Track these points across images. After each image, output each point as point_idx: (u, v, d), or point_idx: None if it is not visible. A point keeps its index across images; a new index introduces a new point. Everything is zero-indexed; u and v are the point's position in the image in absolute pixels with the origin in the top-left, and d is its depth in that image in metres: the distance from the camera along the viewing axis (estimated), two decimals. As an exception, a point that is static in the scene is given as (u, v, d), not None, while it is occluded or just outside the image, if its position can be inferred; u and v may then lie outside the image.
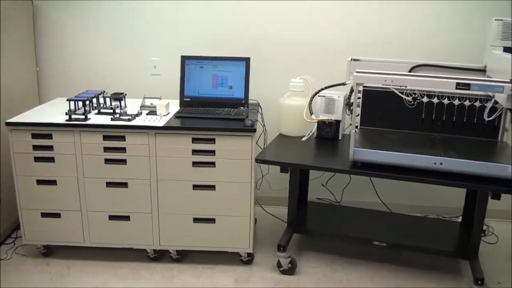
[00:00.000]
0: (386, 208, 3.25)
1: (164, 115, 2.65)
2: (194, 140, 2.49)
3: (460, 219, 2.97)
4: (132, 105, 2.85)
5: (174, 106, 2.83)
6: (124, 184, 2.56)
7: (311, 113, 2.67)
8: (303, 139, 2.66)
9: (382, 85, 2.19)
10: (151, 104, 2.84)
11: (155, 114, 2.65)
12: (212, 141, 2.48)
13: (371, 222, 2.81)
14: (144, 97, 2.85)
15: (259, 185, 3.23)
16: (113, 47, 3.16)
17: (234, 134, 2.46)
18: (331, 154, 2.52)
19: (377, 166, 2.28)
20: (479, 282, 2.31)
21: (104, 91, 2.89)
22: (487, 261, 2.72)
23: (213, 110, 2.71)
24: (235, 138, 2.47)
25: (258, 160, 2.43)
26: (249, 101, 2.84)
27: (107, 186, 2.57)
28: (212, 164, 2.51)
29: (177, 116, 2.65)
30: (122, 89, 3.15)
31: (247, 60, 2.81)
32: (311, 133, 2.67)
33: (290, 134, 2.81)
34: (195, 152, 2.50)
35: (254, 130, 2.45)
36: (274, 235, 2.92)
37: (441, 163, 2.22)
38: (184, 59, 2.84)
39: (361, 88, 2.73)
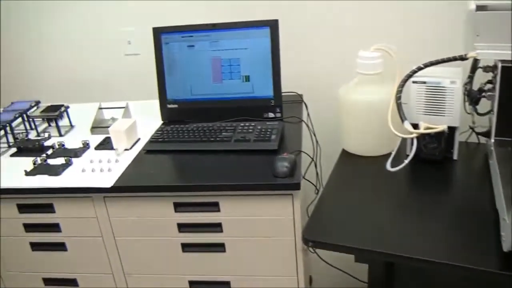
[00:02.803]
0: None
1: (126, 149, 1.42)
2: (179, 207, 1.26)
3: None
4: (84, 120, 1.64)
5: (154, 120, 1.60)
6: (69, 282, 1.41)
7: (403, 119, 1.35)
8: (391, 168, 1.34)
9: None
10: (112, 119, 1.61)
11: (112, 148, 1.43)
12: (214, 206, 1.25)
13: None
14: (100, 108, 1.62)
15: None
16: (52, 13, 1.89)
17: (255, 193, 1.21)
18: (447, 206, 1.22)
19: None
20: None
21: (38, 102, 1.68)
22: None
23: (216, 128, 1.45)
24: (257, 199, 1.22)
25: (310, 242, 1.17)
26: (284, 97, 1.56)
27: (45, 285, 1.43)
28: (218, 247, 1.30)
29: (148, 150, 1.41)
30: (77, 83, 1.93)
31: (272, 26, 1.49)
32: (406, 161, 1.35)
33: (361, 153, 1.51)
34: (184, 228, 1.29)
35: (297, 186, 1.18)
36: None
37: None
38: (158, 33, 1.56)
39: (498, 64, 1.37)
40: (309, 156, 1.45)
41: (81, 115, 1.67)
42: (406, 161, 1.31)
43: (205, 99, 1.56)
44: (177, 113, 1.58)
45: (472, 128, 1.54)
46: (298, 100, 1.67)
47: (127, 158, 1.37)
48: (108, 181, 1.24)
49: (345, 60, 1.70)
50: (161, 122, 1.59)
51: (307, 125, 1.55)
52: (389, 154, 1.33)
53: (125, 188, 1.23)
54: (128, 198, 1.26)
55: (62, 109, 1.57)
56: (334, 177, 1.38)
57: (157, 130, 1.49)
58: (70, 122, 1.62)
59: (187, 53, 1.54)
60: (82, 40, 1.89)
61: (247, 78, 1.53)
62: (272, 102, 1.53)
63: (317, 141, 1.60)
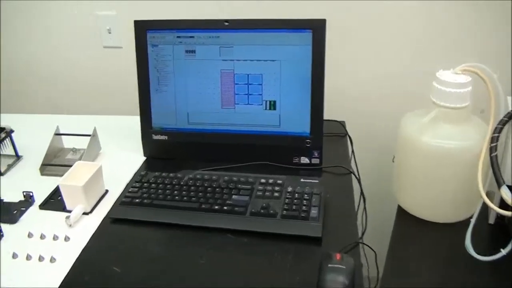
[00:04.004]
0: None
1: (85, 213, 0.93)
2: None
3: None
4: (36, 147, 1.14)
5: (135, 150, 1.11)
6: None
7: (500, 182, 0.86)
8: (477, 256, 0.85)
9: None
10: (73, 151, 1.12)
11: (64, 208, 0.93)
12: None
13: None
14: (56, 134, 1.12)
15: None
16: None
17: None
18: None
19: None
20: None
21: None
22: None
23: (223, 184, 0.95)
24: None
25: None
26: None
27: None
28: None
29: (115, 218, 0.91)
30: (34, 85, 1.43)
31: (317, 29, 0.97)
32: (504, 252, 0.84)
33: (427, 216, 1.01)
34: None
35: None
36: None
37: None
38: (142, 29, 1.04)
39: None
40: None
41: (33, 137, 1.17)
42: (504, 252, 0.84)
43: (208, 131, 1.06)
44: (167, 148, 1.09)
45: None
46: (339, 133, 1.17)
47: (84, 232, 0.88)
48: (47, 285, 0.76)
49: (408, 81, 1.18)
50: (144, 157, 1.10)
51: (356, 176, 1.05)
52: (466, 221, 0.91)
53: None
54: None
55: (2, 135, 1.07)
56: (391, 257, 0.91)
57: (135, 180, 0.99)
58: (15, 151, 1.12)
59: (184, 62, 1.03)
60: (44, 26, 1.38)
61: (273, 105, 1.02)
62: (308, 142, 1.03)
63: (364, 198, 1.09)
